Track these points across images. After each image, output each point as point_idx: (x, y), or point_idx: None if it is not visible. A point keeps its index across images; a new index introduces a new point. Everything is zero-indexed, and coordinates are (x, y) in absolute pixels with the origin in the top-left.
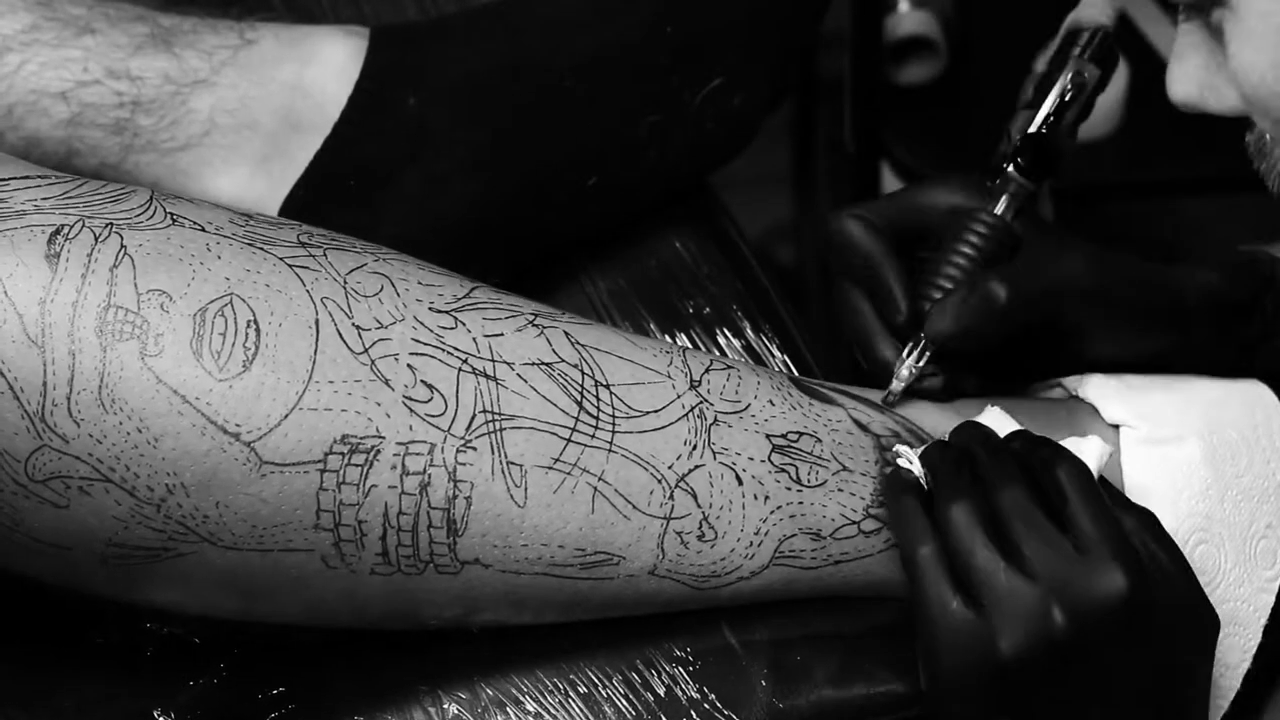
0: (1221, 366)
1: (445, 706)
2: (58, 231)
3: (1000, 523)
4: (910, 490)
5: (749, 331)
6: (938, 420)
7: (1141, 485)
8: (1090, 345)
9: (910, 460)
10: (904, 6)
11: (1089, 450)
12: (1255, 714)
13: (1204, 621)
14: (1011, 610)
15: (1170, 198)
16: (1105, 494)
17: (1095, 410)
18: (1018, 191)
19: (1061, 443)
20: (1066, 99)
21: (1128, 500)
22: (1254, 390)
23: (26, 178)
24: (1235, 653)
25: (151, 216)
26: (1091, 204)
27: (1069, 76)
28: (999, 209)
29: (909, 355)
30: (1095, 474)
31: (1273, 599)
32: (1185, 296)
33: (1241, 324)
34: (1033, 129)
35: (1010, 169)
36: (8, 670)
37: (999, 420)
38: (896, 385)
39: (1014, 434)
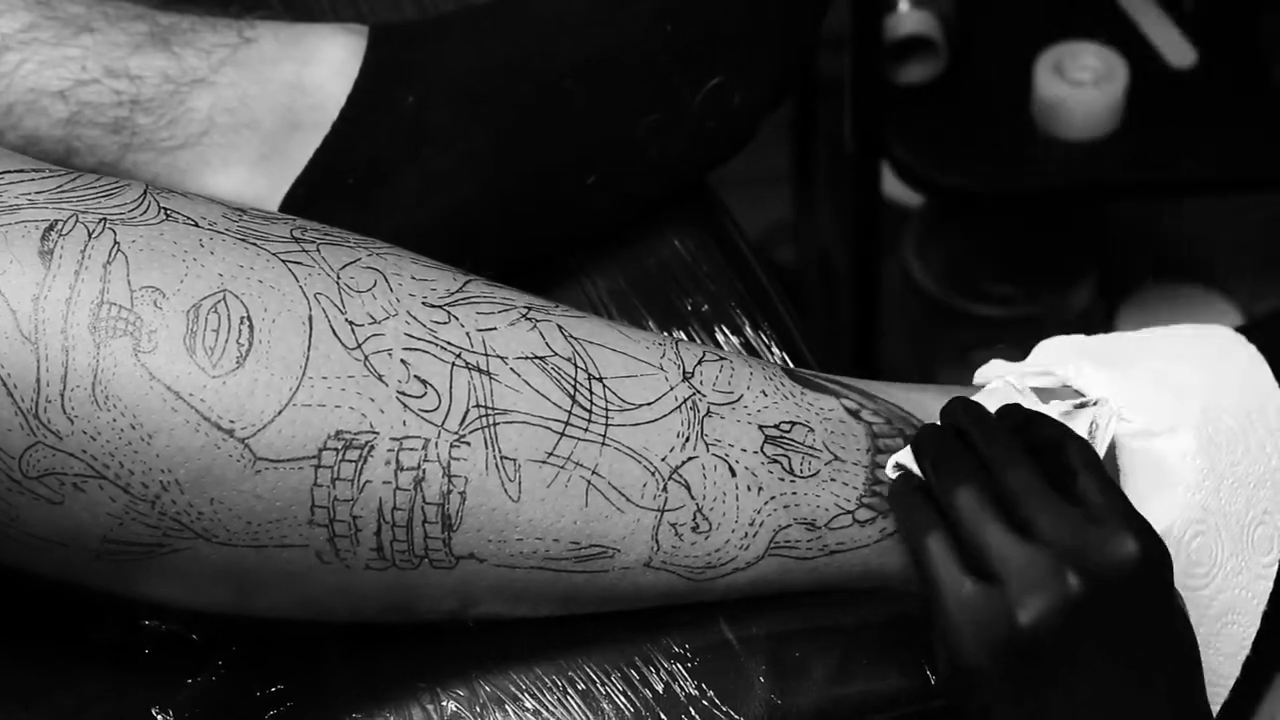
0: None
1: (444, 704)
2: (51, 227)
3: (1009, 502)
4: (911, 484)
5: (748, 329)
6: (931, 405)
7: (1137, 478)
8: None
9: (901, 460)
10: (904, 6)
11: (1084, 421)
12: (1255, 700)
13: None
14: (1027, 579)
15: (1170, 198)
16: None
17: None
18: None
19: (1056, 412)
20: None
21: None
22: (1250, 373)
23: (20, 171)
24: (1234, 640)
25: (145, 211)
26: (1092, 204)
27: None
28: None
29: None
30: (1102, 446)
31: (1270, 585)
32: None
33: None
34: None
35: None
36: (8, 667)
37: (991, 397)
38: None
39: (1006, 409)
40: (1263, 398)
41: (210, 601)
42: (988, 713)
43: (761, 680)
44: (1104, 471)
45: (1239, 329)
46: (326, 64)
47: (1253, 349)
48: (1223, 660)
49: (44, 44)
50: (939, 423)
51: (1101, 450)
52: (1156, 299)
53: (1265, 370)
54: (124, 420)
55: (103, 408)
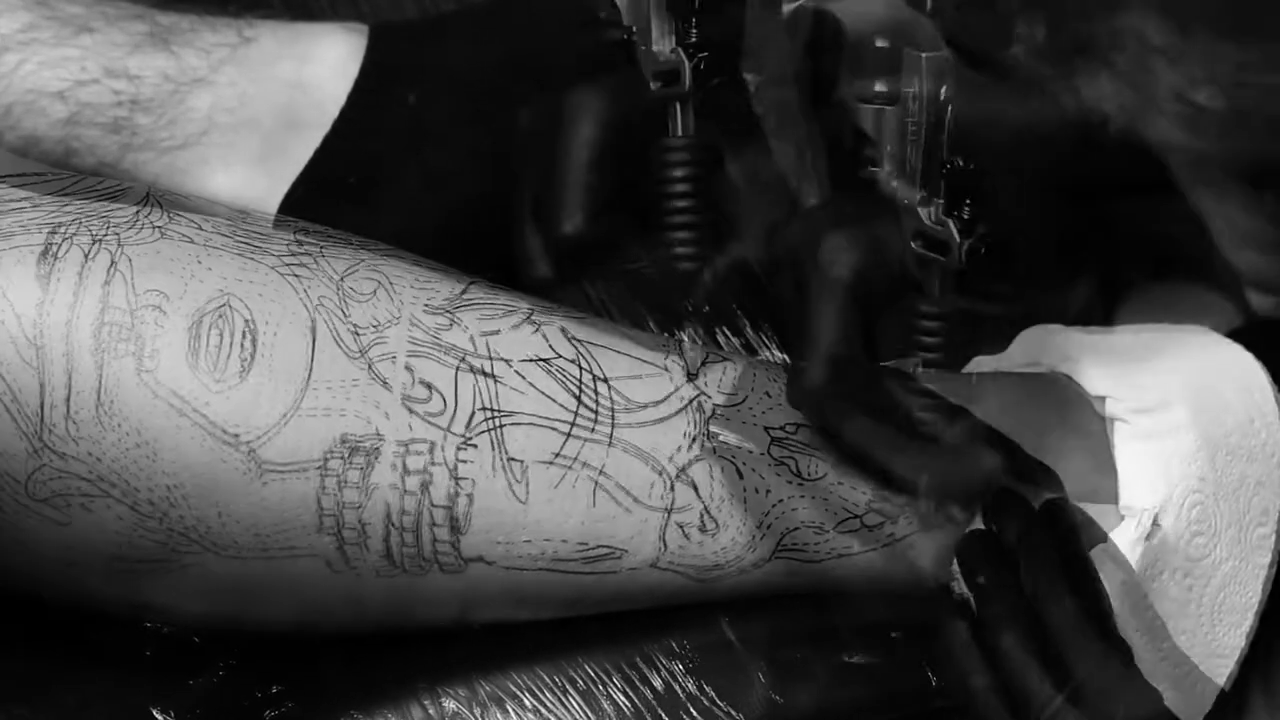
0: None
1: (443, 704)
2: (54, 231)
3: (1052, 639)
4: (956, 612)
5: (748, 329)
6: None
7: (1131, 455)
8: None
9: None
10: None
11: (1123, 538)
12: (1260, 675)
13: None
14: None
15: (1170, 197)
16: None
17: (1078, 384)
18: None
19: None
20: None
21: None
22: (1240, 354)
23: (21, 175)
24: (1237, 611)
25: (146, 218)
26: (1092, 203)
27: None
28: None
29: None
30: (1138, 545)
31: (1269, 555)
32: None
33: None
34: None
35: None
36: (10, 667)
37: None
38: None
39: (1051, 512)
40: (1244, 372)
41: (219, 613)
42: None
43: (762, 679)
44: (1141, 604)
45: (1232, 332)
46: (326, 63)
47: (1239, 346)
48: (1228, 631)
49: (43, 44)
50: (981, 526)
51: (1138, 541)
52: (1156, 299)
53: (1254, 362)
54: (130, 438)
55: (108, 427)
